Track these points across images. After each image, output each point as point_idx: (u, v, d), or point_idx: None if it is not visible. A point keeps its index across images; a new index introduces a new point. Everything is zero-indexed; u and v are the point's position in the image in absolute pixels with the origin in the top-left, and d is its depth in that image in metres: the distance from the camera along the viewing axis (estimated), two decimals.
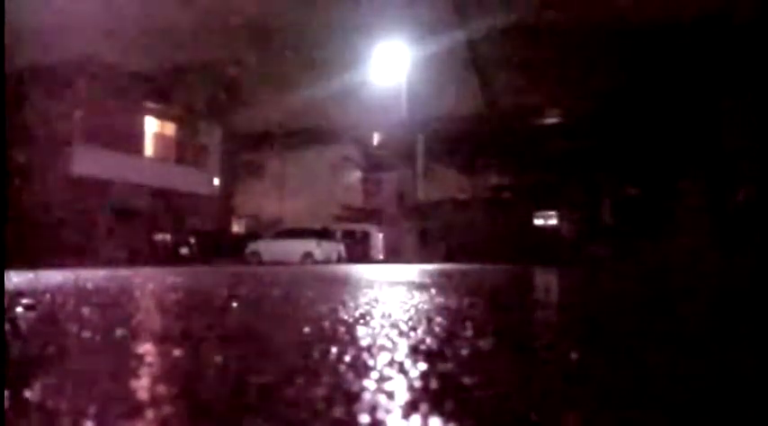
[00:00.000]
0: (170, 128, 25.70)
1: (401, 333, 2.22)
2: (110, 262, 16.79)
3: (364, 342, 2.00)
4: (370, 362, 1.65)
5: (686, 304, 4.43)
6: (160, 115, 25.01)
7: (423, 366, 1.59)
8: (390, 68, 28.42)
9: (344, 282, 6.54)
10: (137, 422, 1.09)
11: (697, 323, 3.09)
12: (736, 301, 4.58)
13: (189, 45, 23.94)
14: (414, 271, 10.39)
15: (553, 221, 28.51)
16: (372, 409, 1.17)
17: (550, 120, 28.70)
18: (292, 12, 24.36)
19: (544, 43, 23.60)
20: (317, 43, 25.64)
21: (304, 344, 2.02)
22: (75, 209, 19.98)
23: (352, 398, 1.25)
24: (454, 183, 30.37)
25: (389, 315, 2.86)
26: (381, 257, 28.18)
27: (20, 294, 4.30)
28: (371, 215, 31.35)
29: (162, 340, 2.15)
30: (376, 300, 3.81)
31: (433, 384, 1.39)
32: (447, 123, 28.66)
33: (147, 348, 1.96)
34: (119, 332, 2.29)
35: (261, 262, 22.20)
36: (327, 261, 22.29)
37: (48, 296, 4.23)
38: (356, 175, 35.64)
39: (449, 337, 2.14)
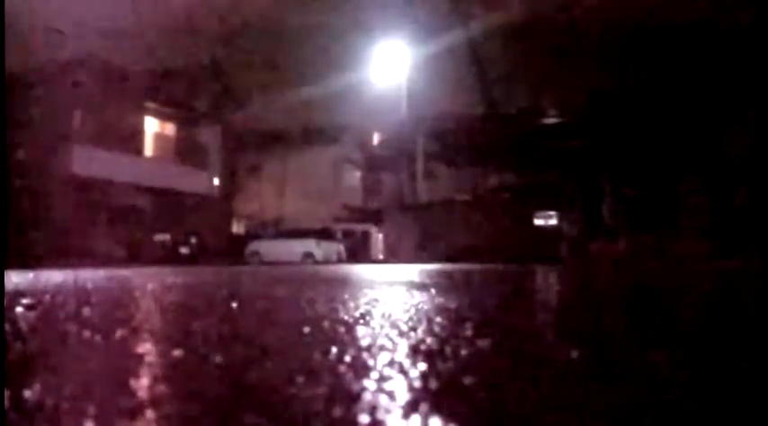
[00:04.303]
0: (170, 128, 25.70)
1: (401, 333, 2.22)
2: (110, 262, 16.79)
3: (364, 342, 2.00)
4: (370, 362, 1.65)
5: (687, 303, 4.43)
6: (160, 115, 25.00)
7: (423, 366, 1.59)
8: (390, 68, 28.42)
9: (344, 282, 6.54)
10: (137, 422, 1.09)
11: (697, 322, 3.09)
12: (736, 301, 4.58)
13: (189, 45, 23.94)
14: (414, 271, 10.38)
15: (553, 221, 28.49)
16: (372, 409, 1.17)
17: (550, 120, 28.70)
18: (292, 12, 24.37)
19: (544, 43, 23.60)
20: (316, 43, 25.65)
21: (304, 344, 2.02)
22: (75, 209, 19.97)
23: (353, 398, 1.25)
24: (454, 183, 30.36)
25: (389, 315, 2.86)
26: (381, 257, 28.18)
27: (20, 294, 4.30)
28: (371, 215, 31.35)
29: (162, 340, 2.15)
30: (376, 300, 3.81)
31: (433, 384, 1.39)
32: (447, 123, 28.66)
33: (147, 348, 1.96)
34: (119, 332, 2.29)
35: (261, 262, 22.21)
36: (327, 261, 22.30)
37: (48, 296, 4.23)
38: (356, 175, 35.65)
39: (449, 337, 2.14)
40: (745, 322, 3.04)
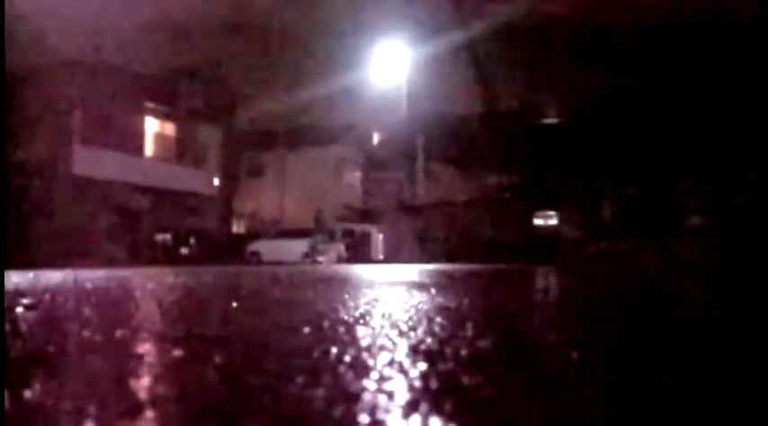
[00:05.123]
0: (170, 128, 25.70)
1: (401, 333, 2.22)
2: (110, 262, 16.79)
3: (364, 342, 2.00)
4: (370, 362, 1.65)
5: (687, 304, 4.43)
6: (160, 115, 25.00)
7: (423, 366, 1.59)
8: (390, 68, 28.41)
9: (344, 282, 6.54)
10: (137, 422, 1.09)
11: (697, 323, 3.09)
12: (736, 301, 4.58)
13: (189, 45, 23.95)
14: (414, 271, 10.38)
15: (553, 221, 28.51)
16: (372, 409, 1.17)
17: (550, 120, 28.72)
18: (292, 12, 24.37)
19: (544, 43, 23.61)
20: (317, 43, 25.65)
21: (304, 344, 2.02)
22: (75, 209, 19.97)
23: (352, 398, 1.25)
24: (454, 183, 30.36)
25: (389, 315, 2.86)
26: (381, 257, 28.18)
27: (20, 294, 4.30)
28: (371, 215, 31.34)
29: (162, 340, 2.15)
30: (376, 300, 3.80)
31: (433, 384, 1.38)
32: (447, 123, 28.67)
33: (147, 348, 1.96)
34: (119, 332, 2.29)
35: (261, 262, 22.22)
36: (327, 261, 22.31)
37: (48, 296, 4.23)
38: (356, 175, 35.64)
39: (449, 337, 2.14)
40: (746, 322, 3.04)
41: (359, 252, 27.18)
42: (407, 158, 29.97)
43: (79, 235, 19.65)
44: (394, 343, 1.98)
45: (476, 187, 30.04)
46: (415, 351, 1.83)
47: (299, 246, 23.28)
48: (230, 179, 29.38)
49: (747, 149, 20.83)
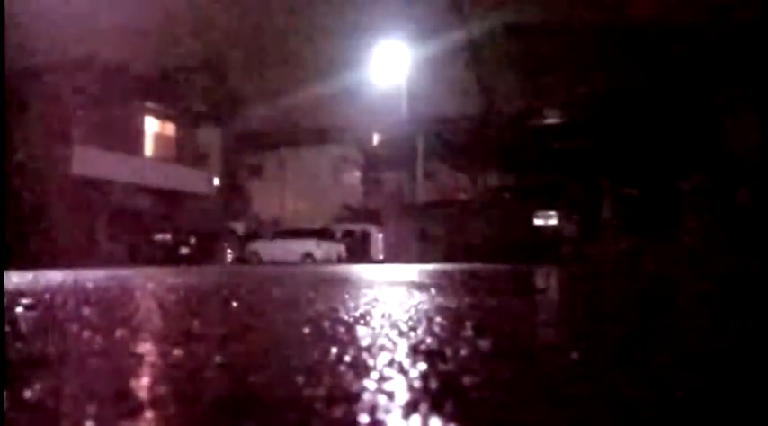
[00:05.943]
0: (170, 128, 25.69)
1: (401, 333, 2.22)
2: (110, 262, 16.79)
3: (364, 342, 2.00)
4: (370, 362, 1.65)
5: (687, 304, 4.43)
6: (160, 115, 25.00)
7: (423, 366, 1.59)
8: (390, 68, 28.41)
9: (344, 282, 6.54)
10: (137, 422, 1.09)
11: (698, 322, 3.09)
12: (736, 301, 4.57)
13: (189, 45, 23.94)
14: (414, 271, 10.38)
15: (553, 221, 28.50)
16: (372, 409, 1.17)
17: (550, 120, 28.71)
18: (292, 12, 24.37)
19: (544, 43, 23.61)
20: (317, 43, 25.65)
21: (304, 344, 2.02)
22: (75, 209, 19.96)
23: (352, 398, 1.25)
24: (454, 183, 30.35)
25: (389, 315, 2.86)
26: (381, 257, 28.17)
27: (20, 294, 4.30)
28: (371, 215, 31.32)
29: (162, 340, 2.15)
30: (376, 300, 3.80)
31: (433, 384, 1.39)
32: (447, 123, 28.66)
33: (147, 348, 1.96)
34: (119, 332, 2.29)
35: (261, 262, 22.23)
36: (327, 261, 22.31)
37: (48, 296, 4.23)
38: (356, 175, 35.62)
39: (449, 337, 2.14)
40: (746, 322, 3.04)
41: (359, 252, 27.17)
42: (407, 158, 29.95)
43: (79, 235, 19.64)
44: (394, 343, 1.98)
45: (476, 187, 30.03)
46: (415, 351, 1.83)
47: (299, 246, 23.28)
48: (230, 179, 29.38)
49: (748, 148, 20.83)
